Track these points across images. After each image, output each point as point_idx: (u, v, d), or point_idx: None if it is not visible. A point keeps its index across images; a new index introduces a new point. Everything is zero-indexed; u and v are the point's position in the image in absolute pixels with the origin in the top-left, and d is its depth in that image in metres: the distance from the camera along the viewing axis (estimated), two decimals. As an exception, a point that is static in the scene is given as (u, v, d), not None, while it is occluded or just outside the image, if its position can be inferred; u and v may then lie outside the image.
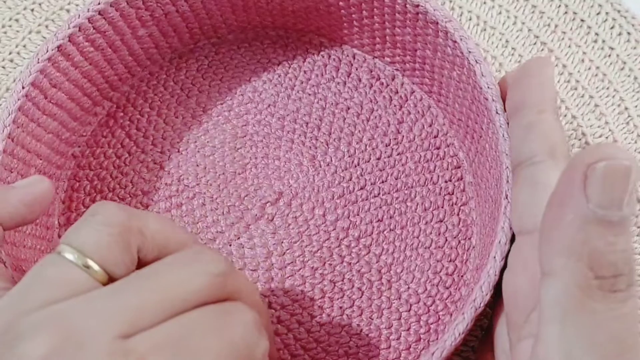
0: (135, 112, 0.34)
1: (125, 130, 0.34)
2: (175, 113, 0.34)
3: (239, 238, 0.32)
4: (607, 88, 0.36)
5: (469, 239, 0.31)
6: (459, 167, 0.33)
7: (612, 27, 0.37)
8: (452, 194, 0.32)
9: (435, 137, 0.33)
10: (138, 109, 0.34)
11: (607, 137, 0.35)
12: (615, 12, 0.37)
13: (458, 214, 0.32)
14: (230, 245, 0.32)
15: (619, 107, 0.35)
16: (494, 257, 0.24)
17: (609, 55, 0.36)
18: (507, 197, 0.25)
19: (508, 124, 0.26)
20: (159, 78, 0.35)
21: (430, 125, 0.34)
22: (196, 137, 0.34)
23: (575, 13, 0.37)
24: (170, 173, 0.33)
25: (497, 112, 0.26)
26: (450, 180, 0.33)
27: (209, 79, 0.35)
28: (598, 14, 0.37)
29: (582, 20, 0.37)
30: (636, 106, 0.35)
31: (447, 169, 0.33)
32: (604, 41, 0.36)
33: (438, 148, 0.33)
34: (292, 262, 0.31)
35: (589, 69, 0.36)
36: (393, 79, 0.35)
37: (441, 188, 0.32)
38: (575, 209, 0.19)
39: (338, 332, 0.30)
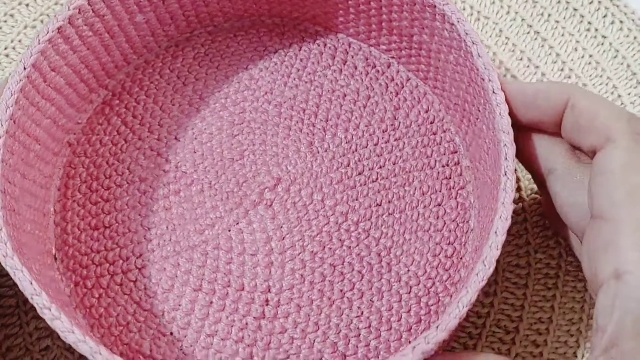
0: (131, 99, 0.34)
1: (122, 117, 0.34)
2: (172, 100, 0.34)
3: (237, 223, 0.32)
4: (601, 76, 0.36)
5: (467, 222, 0.32)
6: (456, 152, 0.33)
7: (604, 16, 0.37)
8: (450, 178, 0.32)
9: (431, 122, 0.34)
10: (134, 97, 0.34)
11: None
12: (607, 1, 0.37)
13: (456, 198, 0.32)
14: (229, 231, 0.31)
15: (612, 95, 0.36)
16: (495, 233, 0.24)
17: (602, 44, 0.37)
18: (506, 174, 0.25)
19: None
20: (154, 66, 0.35)
21: (426, 112, 0.34)
22: (193, 124, 0.34)
23: (568, 2, 0.38)
24: (167, 160, 0.33)
25: (493, 92, 0.27)
26: (448, 165, 0.33)
27: (205, 66, 0.35)
28: (591, 2, 0.38)
29: (574, 9, 0.38)
30: (629, 94, 0.36)
31: (444, 154, 0.33)
32: (596, 29, 0.37)
33: (434, 134, 0.33)
34: (291, 247, 0.31)
35: (582, 57, 0.37)
36: (389, 67, 0.35)
37: (438, 172, 0.33)
38: None
39: (339, 315, 0.30)
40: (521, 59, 0.37)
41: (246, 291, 0.30)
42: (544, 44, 0.37)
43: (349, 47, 0.35)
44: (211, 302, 0.30)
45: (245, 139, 0.33)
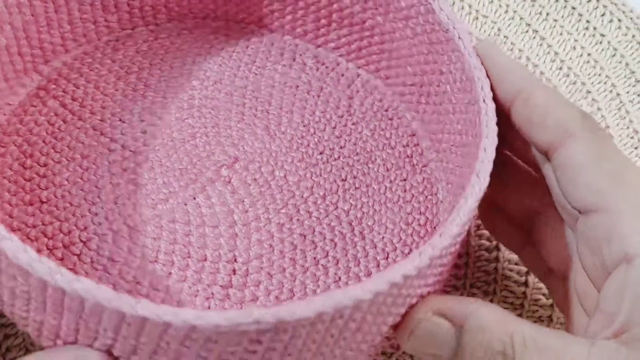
0: (69, 84, 0.31)
1: (59, 99, 0.31)
2: (115, 86, 0.32)
3: (194, 198, 0.29)
4: (599, 75, 0.37)
5: (435, 194, 0.31)
6: (414, 135, 0.32)
7: (603, 15, 0.38)
8: (412, 157, 0.32)
9: (386, 110, 0.33)
10: (72, 82, 0.32)
11: (599, 123, 0.35)
12: (606, 0, 0.38)
13: (420, 173, 0.31)
14: (185, 205, 0.28)
15: (611, 94, 0.36)
16: (484, 150, 0.24)
17: (601, 42, 0.38)
18: (484, 101, 0.25)
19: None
20: (94, 57, 0.33)
21: (380, 101, 0.34)
22: (139, 107, 0.31)
23: (566, 1, 0.39)
24: (113, 139, 0.30)
25: (459, 38, 0.27)
26: (408, 146, 0.32)
27: (149, 58, 0.33)
28: (589, 1, 0.39)
29: (573, 8, 0.39)
30: (627, 92, 0.36)
31: (403, 136, 0.32)
32: (595, 28, 0.38)
33: (391, 119, 0.33)
34: (256, 219, 0.29)
35: (581, 55, 0.37)
36: (338, 65, 0.35)
37: (400, 152, 0.32)
38: None
39: (314, 282, 0.27)
40: (520, 58, 0.37)
41: (209, 262, 0.27)
42: (543, 43, 0.37)
43: (296, 47, 0.35)
44: (170, 274, 0.26)
45: (196, 122, 0.31)
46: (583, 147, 0.23)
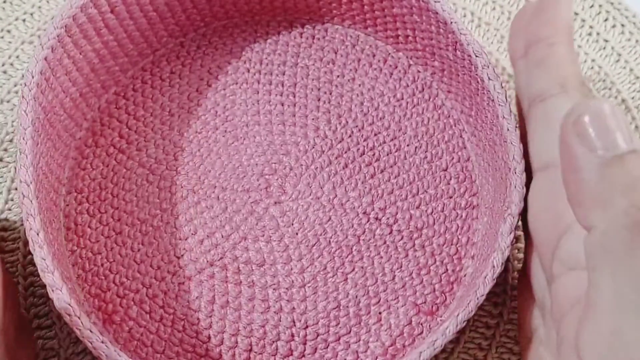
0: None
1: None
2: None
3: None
4: (604, 81, 0.36)
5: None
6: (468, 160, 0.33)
7: (605, 20, 0.37)
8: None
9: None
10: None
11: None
12: (608, 5, 0.38)
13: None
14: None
15: (617, 100, 0.36)
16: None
17: (604, 48, 0.37)
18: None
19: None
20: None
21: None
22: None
23: None
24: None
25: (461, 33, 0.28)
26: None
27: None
28: (591, 6, 0.38)
29: (576, 14, 0.38)
30: (633, 97, 0.35)
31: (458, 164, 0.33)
32: (598, 34, 0.37)
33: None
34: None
35: (585, 62, 0.37)
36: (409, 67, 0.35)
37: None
38: (586, 166, 0.19)
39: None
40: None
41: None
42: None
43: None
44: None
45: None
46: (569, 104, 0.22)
